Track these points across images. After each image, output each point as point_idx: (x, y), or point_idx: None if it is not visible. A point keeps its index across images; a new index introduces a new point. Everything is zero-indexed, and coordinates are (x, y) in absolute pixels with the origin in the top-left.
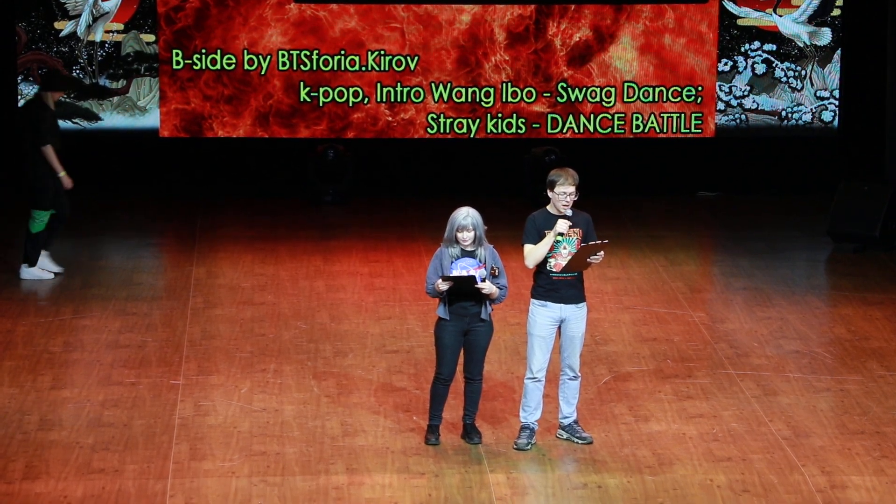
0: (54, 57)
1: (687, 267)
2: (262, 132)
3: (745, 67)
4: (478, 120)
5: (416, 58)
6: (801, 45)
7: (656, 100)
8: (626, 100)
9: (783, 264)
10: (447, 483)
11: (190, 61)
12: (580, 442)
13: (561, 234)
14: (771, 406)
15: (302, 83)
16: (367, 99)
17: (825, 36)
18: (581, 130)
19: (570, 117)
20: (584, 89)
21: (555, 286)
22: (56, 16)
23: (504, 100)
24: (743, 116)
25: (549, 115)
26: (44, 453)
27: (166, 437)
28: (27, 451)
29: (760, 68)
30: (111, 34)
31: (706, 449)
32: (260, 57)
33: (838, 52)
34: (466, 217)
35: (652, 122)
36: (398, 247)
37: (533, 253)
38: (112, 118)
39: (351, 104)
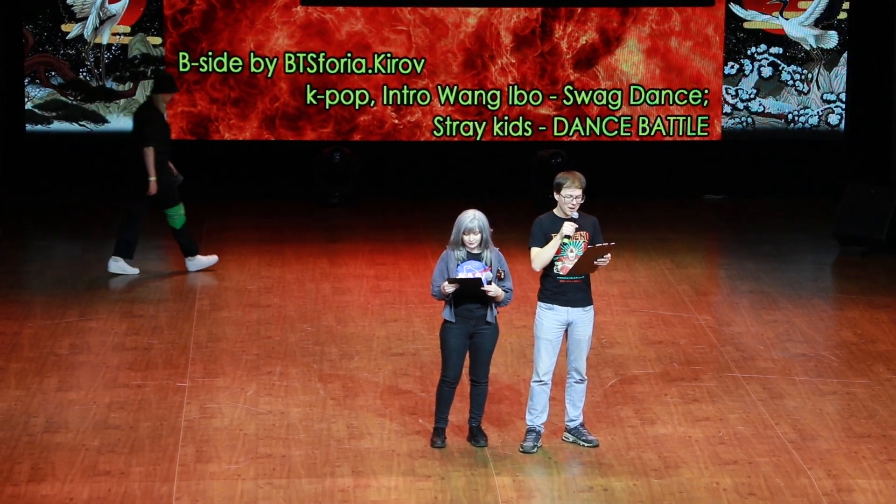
0: (61, 59)
1: (693, 270)
2: (268, 135)
3: (752, 70)
4: (484, 123)
5: (423, 60)
6: (808, 48)
7: (662, 103)
8: (632, 103)
9: (789, 267)
10: (453, 486)
11: (196, 64)
12: (586, 445)
13: (567, 237)
14: (777, 409)
15: (308, 86)
16: (373, 101)
17: (832, 39)
18: (587, 133)
19: (577, 120)
20: (591, 92)
21: (562, 289)
22: (63, 18)
23: (510, 102)
24: (749, 119)
25: (556, 118)
26: (50, 455)
27: (172, 440)
28: (33, 453)
29: (767, 71)
30: (118, 37)
31: (712, 452)
32: (266, 59)
33: (845, 55)
34: (473, 220)
35: (658, 125)
36: (404, 249)
37: (539, 256)
38: (119, 121)
39: (357, 107)
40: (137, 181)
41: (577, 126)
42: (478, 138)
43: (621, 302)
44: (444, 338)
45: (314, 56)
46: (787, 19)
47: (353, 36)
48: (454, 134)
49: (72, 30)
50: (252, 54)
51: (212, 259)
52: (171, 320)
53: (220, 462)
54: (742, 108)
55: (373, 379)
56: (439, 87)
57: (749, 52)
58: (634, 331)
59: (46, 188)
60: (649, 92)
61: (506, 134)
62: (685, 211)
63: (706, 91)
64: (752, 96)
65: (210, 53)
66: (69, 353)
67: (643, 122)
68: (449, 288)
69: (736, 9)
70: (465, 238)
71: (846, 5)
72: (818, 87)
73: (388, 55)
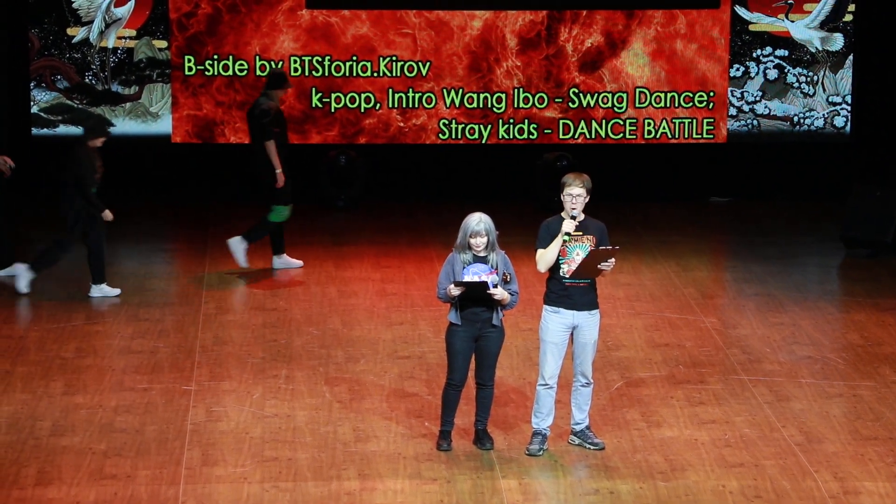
0: (67, 63)
1: (699, 272)
2: None
3: (757, 73)
4: (489, 125)
5: (428, 63)
6: (813, 50)
7: (668, 105)
8: (637, 105)
9: (795, 270)
10: (459, 489)
11: (202, 67)
12: (592, 448)
13: (568, 234)
14: (783, 412)
15: (314, 89)
16: (378, 104)
17: (837, 41)
18: (593, 136)
19: (582, 123)
20: (596, 95)
21: (567, 292)
22: (69, 22)
23: (516, 105)
24: (755, 122)
25: (561, 121)
26: (56, 459)
27: (178, 443)
28: (39, 457)
29: (772, 74)
30: (123, 40)
31: (718, 455)
32: (272, 63)
33: (850, 57)
34: (479, 223)
35: (664, 128)
36: (410, 252)
37: (544, 256)
38: (124, 124)
39: (363, 110)
40: (266, 176)
41: (582, 129)
42: (483, 141)
43: (627, 305)
44: (450, 341)
45: (319, 59)
46: (792, 22)
47: (358, 39)
48: (459, 137)
49: (77, 33)
50: (257, 58)
51: (297, 262)
52: (177, 324)
53: (227, 465)
54: (748, 110)
55: (379, 382)
56: (444, 90)
57: (754, 55)
58: (640, 334)
59: (52, 192)
60: (655, 94)
61: (511, 137)
62: (691, 214)
63: (712, 93)
64: (757, 99)
65: (215, 57)
66: (75, 357)
67: (649, 124)
68: (455, 291)
69: (741, 11)
70: (471, 241)
71: (852, 7)
72: (824, 90)
73: (394, 58)
